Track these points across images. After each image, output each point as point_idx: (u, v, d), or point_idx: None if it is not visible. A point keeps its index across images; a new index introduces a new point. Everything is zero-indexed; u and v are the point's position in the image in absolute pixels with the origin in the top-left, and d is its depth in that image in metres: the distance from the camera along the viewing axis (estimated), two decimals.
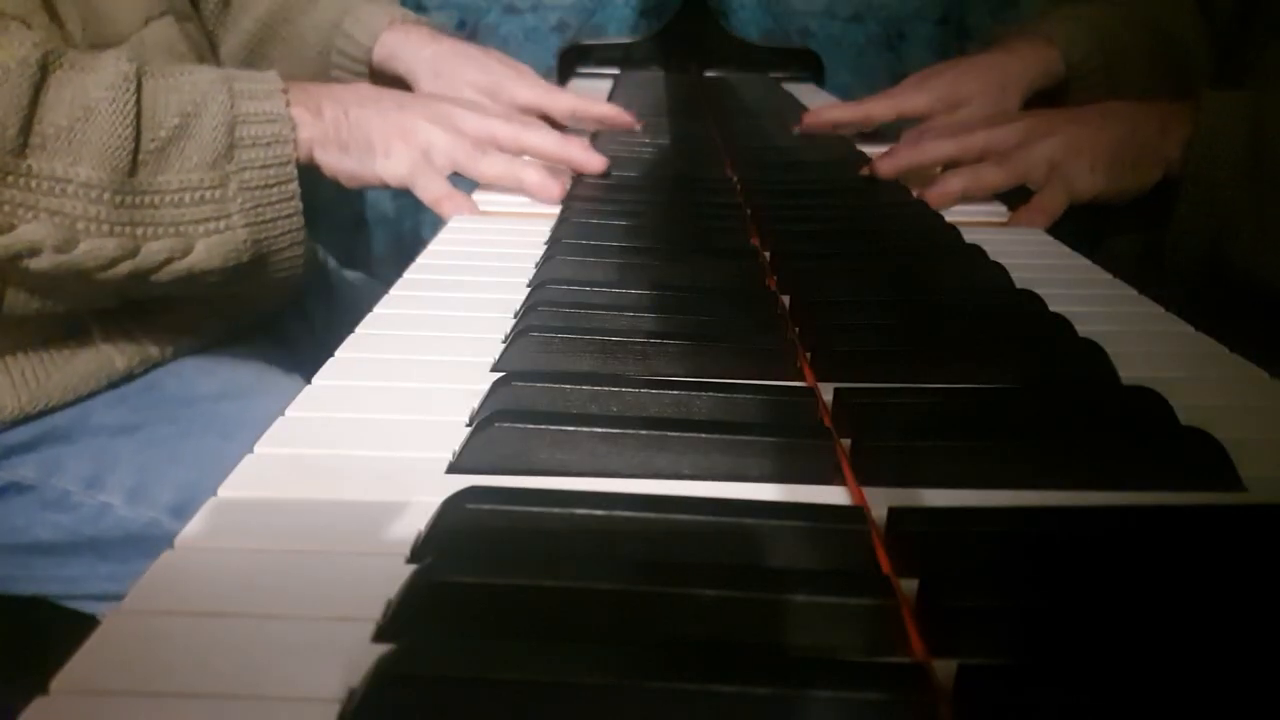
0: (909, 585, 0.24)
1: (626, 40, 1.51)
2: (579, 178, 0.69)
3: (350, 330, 0.42)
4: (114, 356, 0.63)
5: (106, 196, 0.50)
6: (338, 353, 0.40)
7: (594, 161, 0.68)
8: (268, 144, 0.56)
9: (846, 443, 0.32)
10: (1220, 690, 0.20)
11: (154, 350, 0.65)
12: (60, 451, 0.61)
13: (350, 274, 0.92)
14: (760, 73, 1.43)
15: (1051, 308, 0.45)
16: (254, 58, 0.86)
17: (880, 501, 0.28)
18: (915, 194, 0.67)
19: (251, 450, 0.32)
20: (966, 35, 1.63)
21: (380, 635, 0.23)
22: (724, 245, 0.56)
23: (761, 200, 0.65)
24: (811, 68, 1.44)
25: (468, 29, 1.63)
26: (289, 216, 0.58)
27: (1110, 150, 0.63)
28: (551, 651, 0.21)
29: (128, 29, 0.66)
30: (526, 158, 0.66)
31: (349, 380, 0.38)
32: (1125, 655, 0.22)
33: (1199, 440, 0.32)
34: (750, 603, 0.23)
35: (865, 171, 0.72)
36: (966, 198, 0.66)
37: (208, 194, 0.54)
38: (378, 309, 0.45)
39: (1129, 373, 0.39)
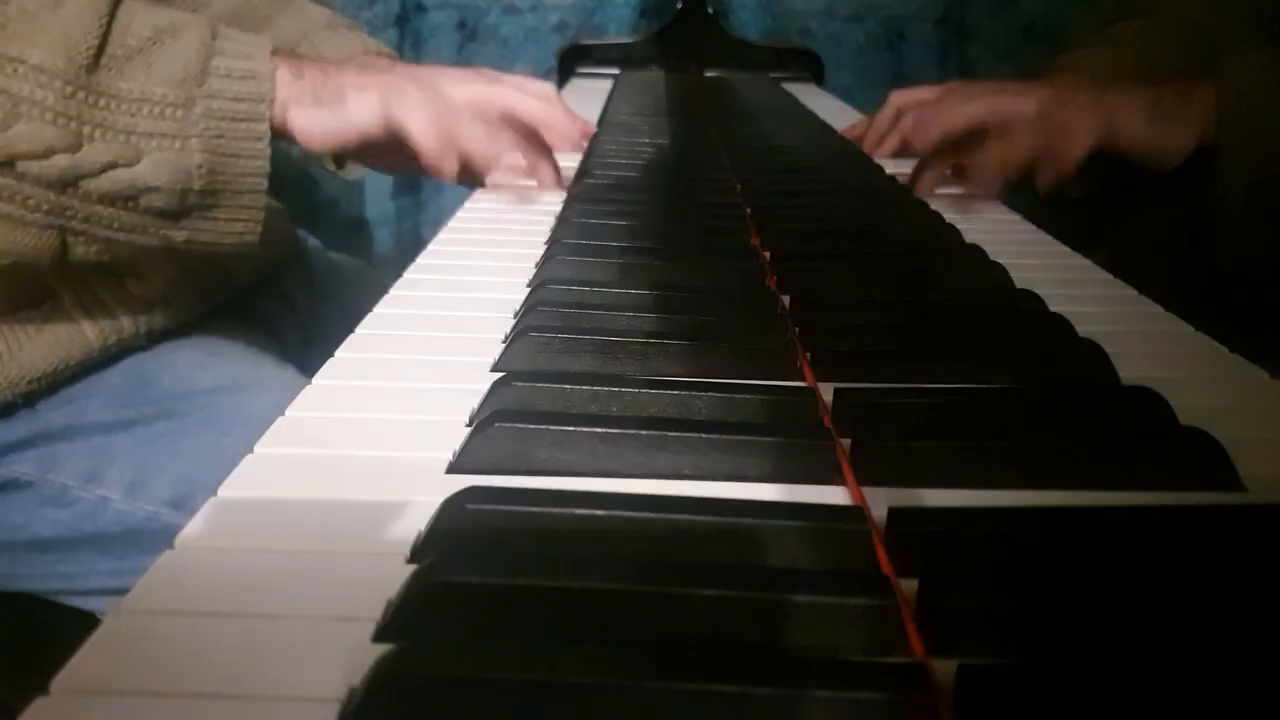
0: (909, 585, 0.24)
1: (626, 40, 1.51)
2: (578, 178, 0.69)
3: (337, 316, 0.42)
4: (85, 325, 0.61)
5: (57, 85, 0.48)
6: (338, 353, 0.40)
7: (546, 176, 0.67)
8: (243, 78, 0.53)
9: (846, 443, 0.32)
10: (1220, 690, 0.20)
11: (127, 321, 0.63)
12: (58, 448, 0.61)
13: (337, 256, 0.91)
14: (760, 73, 1.43)
15: (1051, 308, 0.45)
16: None
17: (880, 501, 0.28)
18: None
19: (251, 449, 0.32)
20: (966, 35, 1.63)
21: (380, 635, 0.23)
22: (724, 245, 0.56)
23: (761, 200, 0.65)
24: (811, 68, 1.44)
25: (468, 29, 1.63)
26: (252, 158, 0.54)
27: (1146, 104, 0.61)
28: (551, 651, 0.21)
29: None
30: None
31: (349, 380, 0.38)
32: (1125, 655, 0.22)
33: (1199, 440, 0.32)
34: (750, 603, 0.23)
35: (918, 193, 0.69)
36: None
37: (168, 110, 0.51)
38: (378, 309, 0.45)
39: (1129, 373, 0.38)
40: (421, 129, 0.59)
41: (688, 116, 1.03)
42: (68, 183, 0.50)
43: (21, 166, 0.49)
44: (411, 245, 1.64)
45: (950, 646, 0.22)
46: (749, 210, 0.63)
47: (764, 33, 1.59)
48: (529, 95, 0.66)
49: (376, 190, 1.61)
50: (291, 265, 0.83)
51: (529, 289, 0.48)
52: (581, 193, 0.65)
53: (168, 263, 0.65)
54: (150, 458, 0.61)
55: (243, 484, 0.30)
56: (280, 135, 0.56)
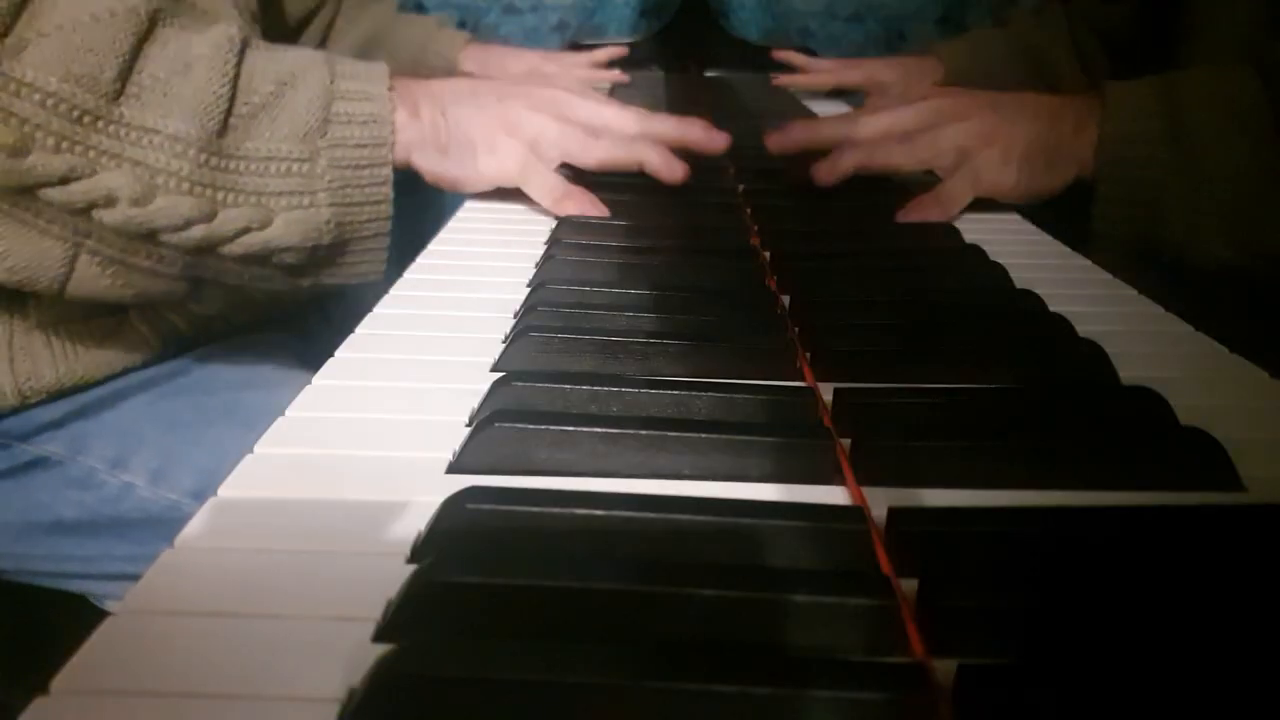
0: (909, 585, 0.24)
1: (626, 40, 1.51)
2: (578, 177, 0.68)
3: (354, 329, 0.43)
4: (149, 337, 0.63)
5: (191, 153, 0.49)
6: (338, 353, 0.40)
7: (717, 140, 0.64)
8: (364, 123, 0.53)
9: (846, 443, 0.32)
10: (1220, 690, 0.20)
11: (187, 334, 0.65)
12: (88, 429, 0.62)
13: None
14: (760, 73, 1.43)
15: (1051, 308, 0.45)
16: None
17: (880, 501, 0.28)
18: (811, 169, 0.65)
19: (252, 450, 0.32)
20: None
21: (380, 635, 0.23)
22: (724, 245, 0.56)
23: (761, 200, 0.65)
24: None
25: (468, 29, 1.62)
26: (377, 204, 0.55)
27: (1025, 145, 0.61)
28: (551, 651, 0.21)
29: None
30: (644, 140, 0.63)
31: (349, 380, 0.38)
32: (1125, 655, 0.22)
33: (1199, 440, 0.32)
34: (750, 603, 0.23)
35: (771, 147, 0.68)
36: (863, 175, 0.64)
37: (294, 166, 0.52)
38: (378, 309, 0.45)
39: (1129, 373, 0.39)
40: (550, 199, 0.60)
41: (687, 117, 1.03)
42: (204, 249, 0.52)
43: (162, 237, 0.50)
44: (411, 245, 1.63)
45: (950, 646, 0.22)
46: (749, 210, 0.63)
47: (764, 33, 1.59)
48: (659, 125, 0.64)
49: None
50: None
51: (529, 289, 0.48)
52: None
53: (228, 290, 0.66)
54: (177, 447, 0.62)
55: (243, 484, 0.30)
56: (400, 170, 0.57)
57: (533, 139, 0.60)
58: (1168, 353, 0.42)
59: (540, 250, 0.54)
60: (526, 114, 0.60)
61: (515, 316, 0.44)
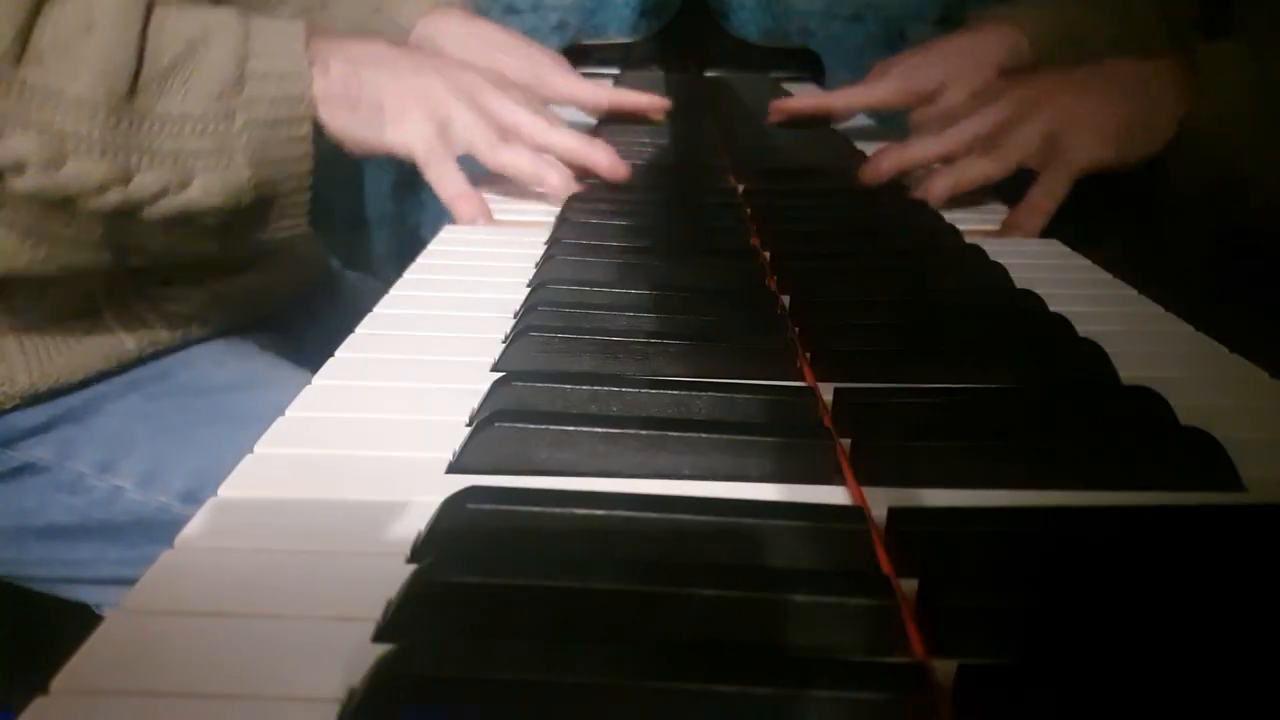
0: (909, 585, 0.24)
1: (626, 40, 1.51)
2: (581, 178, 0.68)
3: (351, 330, 0.43)
4: (124, 338, 0.63)
5: (101, 116, 0.48)
6: (338, 353, 0.40)
7: (618, 168, 0.64)
8: (280, 78, 0.53)
9: (846, 443, 0.32)
10: (1220, 690, 0.20)
11: (164, 334, 0.64)
12: (75, 434, 0.62)
13: (351, 274, 0.92)
14: (760, 73, 1.43)
15: (1051, 308, 0.45)
16: None
17: (880, 501, 0.28)
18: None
19: (252, 449, 0.32)
20: None
21: (380, 635, 0.23)
22: (724, 245, 0.56)
23: (761, 200, 0.65)
24: (811, 68, 1.44)
25: None
26: (297, 159, 0.54)
27: (1117, 118, 0.59)
28: (551, 651, 0.21)
29: None
30: (548, 156, 0.63)
31: (349, 380, 0.38)
32: (1125, 655, 0.22)
33: (1199, 440, 0.32)
34: (750, 603, 0.23)
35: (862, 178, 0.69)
36: (958, 195, 0.63)
37: (211, 126, 0.51)
38: (378, 309, 0.45)
39: (1129, 373, 0.39)
40: (445, 193, 0.60)
41: (688, 116, 1.03)
42: (124, 213, 0.51)
43: (78, 204, 0.49)
44: (411, 245, 1.63)
45: (950, 646, 0.22)
46: (749, 210, 0.63)
47: (764, 33, 1.59)
48: (565, 136, 0.64)
49: (376, 190, 1.61)
50: (322, 286, 0.84)
51: (529, 289, 0.48)
52: (581, 193, 0.65)
53: (204, 288, 0.66)
54: (165, 449, 0.62)
55: (243, 484, 0.30)
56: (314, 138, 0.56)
57: (443, 121, 0.59)
58: (1168, 353, 0.42)
59: (540, 250, 0.54)
60: (442, 94, 0.59)
61: (515, 316, 0.44)
